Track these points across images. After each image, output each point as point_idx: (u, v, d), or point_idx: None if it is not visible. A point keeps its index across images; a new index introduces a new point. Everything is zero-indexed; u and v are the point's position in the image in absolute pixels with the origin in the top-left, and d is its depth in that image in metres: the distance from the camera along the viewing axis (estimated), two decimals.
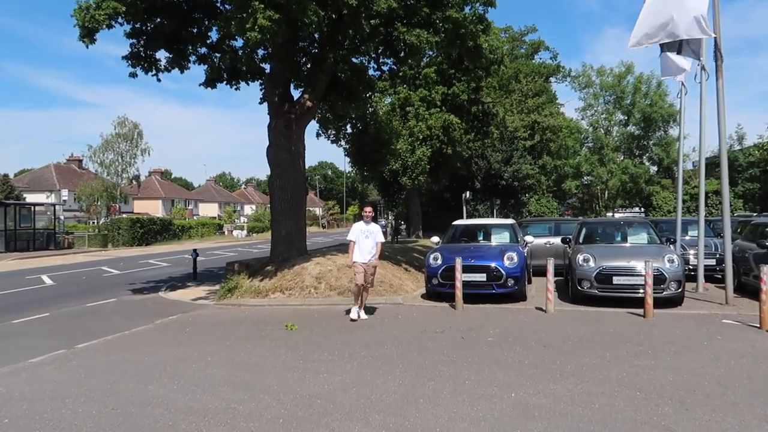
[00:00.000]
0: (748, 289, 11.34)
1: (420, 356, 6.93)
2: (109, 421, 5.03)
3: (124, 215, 48.21)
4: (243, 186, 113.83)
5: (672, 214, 33.38)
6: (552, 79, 39.06)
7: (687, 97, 13.53)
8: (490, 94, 26.36)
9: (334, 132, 23.13)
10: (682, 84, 12.85)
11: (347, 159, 25.83)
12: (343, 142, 23.77)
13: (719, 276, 13.41)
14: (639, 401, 5.17)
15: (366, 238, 9.42)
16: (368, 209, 9.83)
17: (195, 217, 69.07)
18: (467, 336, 8.00)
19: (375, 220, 10.58)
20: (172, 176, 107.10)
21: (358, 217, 39.69)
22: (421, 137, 24.15)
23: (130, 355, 7.55)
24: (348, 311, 9.80)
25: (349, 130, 22.98)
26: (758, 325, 8.20)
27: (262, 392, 5.66)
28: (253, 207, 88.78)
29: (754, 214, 24.18)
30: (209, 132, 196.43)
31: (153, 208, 67.40)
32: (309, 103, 13.30)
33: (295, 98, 13.84)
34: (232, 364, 6.84)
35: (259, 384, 5.95)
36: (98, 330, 9.69)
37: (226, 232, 60.37)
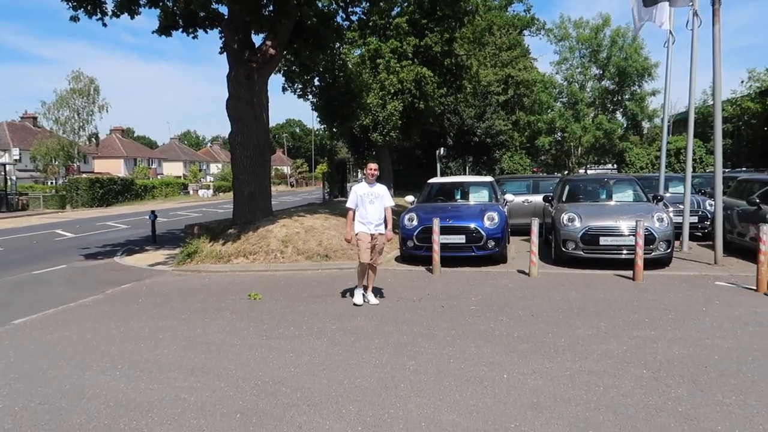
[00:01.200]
0: (733, 247, 10.95)
1: (397, 329, 6.24)
2: (32, 420, 4.22)
3: (84, 175, 46.10)
4: (209, 144, 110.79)
5: (644, 171, 33.30)
6: (526, 33, 37.99)
7: (661, 50, 12.81)
8: (464, 46, 25.25)
9: (301, 86, 21.93)
10: (670, 32, 12.12)
11: (315, 114, 24.65)
12: (310, 97, 22.59)
13: (699, 234, 13.07)
14: (647, 381, 4.57)
15: (371, 203, 7.35)
16: (372, 166, 7.63)
17: (159, 177, 66.88)
18: (448, 305, 7.33)
19: (379, 180, 7.87)
20: (135, 135, 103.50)
21: (328, 176, 38.53)
22: (392, 91, 23.08)
23: (71, 333, 6.68)
24: (349, 293, 8.02)
25: (317, 84, 21.82)
26: (755, 288, 7.72)
27: (218, 378, 4.90)
28: (220, 166, 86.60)
29: (727, 170, 24.04)
30: (173, 89, 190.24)
31: (115, 168, 64.95)
32: (272, 51, 12.17)
33: (257, 46, 12.68)
34: (187, 342, 6.05)
35: (216, 368, 5.18)
36: (41, 302, 8.74)
37: (191, 192, 58.65)
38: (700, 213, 13.15)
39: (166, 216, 28.17)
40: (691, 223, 11.93)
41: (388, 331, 6.20)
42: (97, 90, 46.02)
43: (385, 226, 7.47)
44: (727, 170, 23.15)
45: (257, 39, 13.18)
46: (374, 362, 5.19)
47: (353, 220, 7.44)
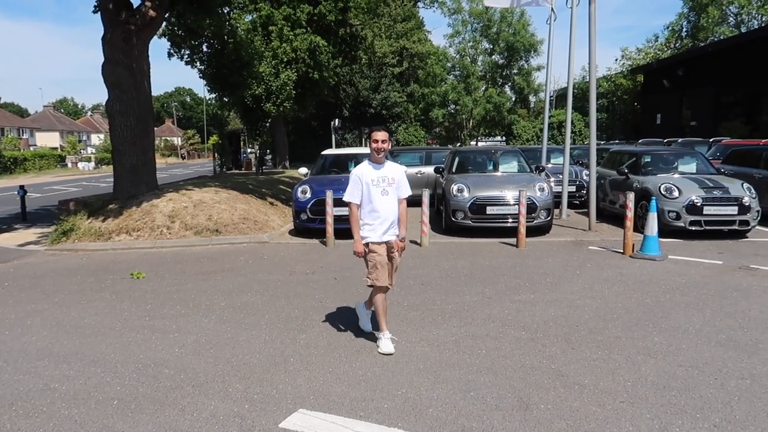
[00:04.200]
0: (605, 214, 11.86)
1: (289, 304, 6.17)
2: None
3: None
4: (89, 113, 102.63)
5: (530, 143, 35.04)
6: (420, 5, 38.34)
7: (546, 28, 13.44)
8: (359, 16, 25.02)
9: (188, 52, 20.73)
10: (552, 10, 12.68)
11: (205, 83, 23.50)
12: (198, 64, 21.46)
13: (577, 202, 14.02)
14: (525, 342, 4.85)
15: (383, 193, 4.74)
16: (380, 136, 4.74)
17: (31, 148, 61.22)
18: (341, 277, 7.36)
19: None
20: (1, 101, 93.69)
21: (219, 148, 37.13)
22: (285, 60, 22.47)
23: None
24: (373, 336, 4.98)
25: (206, 50, 20.74)
26: (622, 251, 8.42)
27: (93, 364, 4.60)
28: (102, 137, 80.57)
29: (602, 142, 25.88)
30: (47, 51, 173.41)
31: None
32: (152, 13, 11.37)
33: (136, 6, 11.78)
34: (59, 327, 5.62)
35: (91, 353, 4.86)
36: None
37: (69, 165, 54.27)
38: (577, 182, 14.09)
39: (40, 191, 25.90)
40: (569, 192, 12.75)
41: (280, 305, 6.12)
42: None
43: (399, 229, 4.89)
44: (602, 142, 24.93)
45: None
46: (264, 338, 5.10)
47: (357, 220, 4.81)
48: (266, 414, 3.66)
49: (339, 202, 9.64)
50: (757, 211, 9.59)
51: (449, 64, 38.81)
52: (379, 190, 4.72)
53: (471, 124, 39.04)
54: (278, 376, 4.26)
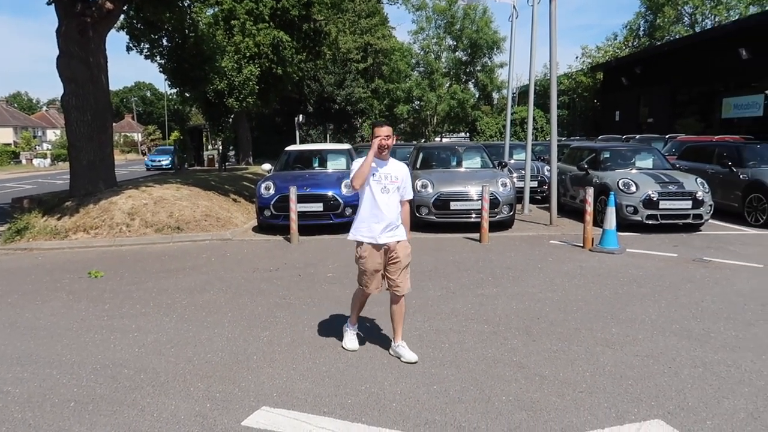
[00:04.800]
0: (566, 209, 12.09)
1: (252, 301, 6.11)
2: None
3: None
4: (44, 108, 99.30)
5: (494, 139, 35.44)
6: (384, 1, 38.30)
7: (509, 25, 13.61)
8: (322, 11, 24.84)
9: (148, 46, 20.26)
10: (514, 7, 12.84)
11: (165, 78, 23.01)
12: (158, 58, 20.99)
13: (539, 198, 14.26)
14: (488, 335, 4.92)
15: (383, 191, 4.39)
16: (384, 131, 4.38)
17: None
18: (305, 273, 7.32)
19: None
20: None
21: (180, 144, 36.47)
22: (248, 55, 22.18)
23: None
24: (339, 331, 4.78)
25: (166, 44, 20.29)
26: (582, 245, 8.61)
27: (49, 366, 4.47)
28: (58, 132, 78.10)
29: (563, 139, 26.38)
30: None
31: None
32: (108, 5, 11.06)
33: None
34: (12, 329, 5.43)
35: (47, 354, 4.72)
36: None
37: (24, 161, 52.54)
38: (539, 178, 14.32)
39: None
40: (531, 187, 12.96)
41: (243, 303, 6.05)
42: None
43: (405, 227, 4.58)
44: (563, 139, 25.41)
45: None
46: (227, 336, 5.04)
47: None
48: (228, 412, 3.62)
49: (303, 198, 9.63)
50: (710, 205, 9.93)
51: (413, 61, 38.98)
52: (380, 187, 4.38)
53: (435, 120, 39.29)
54: (241, 374, 4.22)
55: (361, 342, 4.80)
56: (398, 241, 4.46)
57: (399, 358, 4.42)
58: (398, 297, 4.53)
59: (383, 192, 4.39)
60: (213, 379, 4.14)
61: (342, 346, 4.63)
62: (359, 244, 4.48)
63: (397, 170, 4.49)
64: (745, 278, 6.78)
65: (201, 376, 4.20)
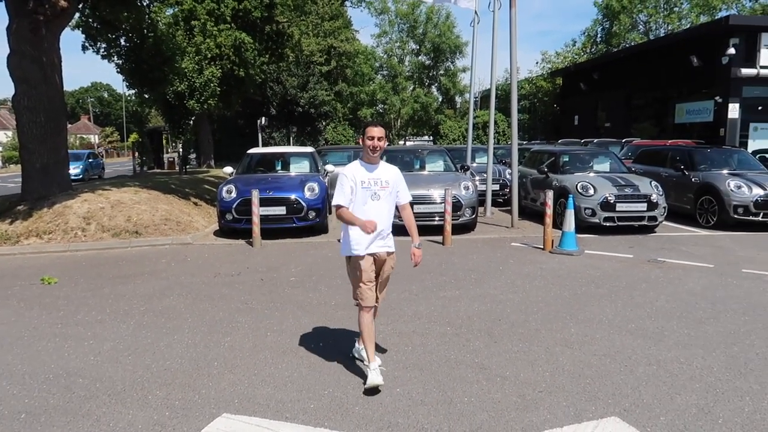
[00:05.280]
0: (527, 211, 12.30)
1: (213, 306, 6.01)
2: None
3: None
4: None
5: (457, 142, 35.77)
6: (347, 4, 38.30)
7: (471, 30, 13.78)
8: (285, 13, 24.69)
9: (105, 45, 19.76)
10: (476, 13, 13.00)
11: (123, 78, 22.47)
12: (116, 58, 20.49)
13: (501, 200, 14.46)
14: (450, 337, 4.96)
15: (374, 197, 4.10)
16: (375, 132, 4.06)
17: None
18: (267, 277, 7.24)
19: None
20: None
21: (139, 146, 35.69)
22: (209, 56, 21.85)
23: None
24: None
25: (124, 44, 19.82)
26: (542, 247, 8.76)
27: None
28: (9, 133, 75.39)
29: (524, 142, 26.82)
30: None
31: None
32: (63, 3, 10.73)
33: None
34: None
35: None
36: None
37: None
38: (501, 181, 14.53)
39: None
40: (493, 190, 13.13)
41: (203, 308, 5.95)
42: None
43: (412, 238, 4.38)
44: (524, 142, 25.83)
45: None
46: (186, 342, 4.95)
47: (353, 214, 4.03)
48: (188, 420, 3.55)
49: (265, 202, 9.53)
50: (664, 207, 10.25)
51: (377, 64, 39.08)
52: (369, 194, 4.05)
53: (399, 123, 39.46)
54: (201, 380, 4.15)
55: (325, 345, 4.78)
56: (388, 252, 4.22)
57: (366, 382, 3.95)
58: (377, 306, 4.31)
59: (373, 199, 4.08)
60: (172, 386, 4.06)
61: (366, 388, 3.90)
62: (350, 257, 4.13)
63: (387, 174, 4.17)
64: (697, 278, 7.01)
65: (160, 383, 4.11)
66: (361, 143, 4.16)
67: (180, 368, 4.38)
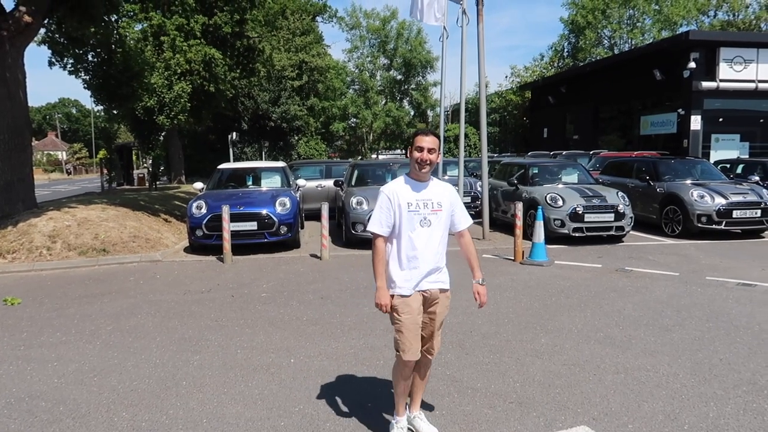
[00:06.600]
0: (498, 223, 12.42)
1: (182, 324, 5.92)
2: None
3: None
4: None
5: None
6: (319, 19, 38.48)
7: (445, 44, 13.94)
8: (256, 28, 24.67)
9: (72, 60, 19.48)
10: (444, 28, 13.15)
11: (90, 94, 22.14)
12: (83, 73, 20.19)
13: (473, 213, 14.57)
14: None
15: (424, 224, 3.32)
16: (428, 141, 3.24)
17: None
18: (238, 294, 7.17)
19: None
20: None
21: (107, 162, 35.20)
22: (179, 71, 21.69)
23: None
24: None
25: (92, 60, 19.56)
26: (513, 258, 8.86)
27: None
28: None
29: (495, 155, 27.15)
30: None
31: None
32: (27, 18, 10.58)
33: (8, 11, 10.92)
34: None
35: None
36: None
37: None
38: (472, 194, 14.64)
39: None
40: (464, 202, 13.19)
41: (172, 326, 5.85)
42: None
43: (473, 272, 3.70)
44: (495, 155, 26.14)
45: (8, 3, 11.37)
46: (154, 362, 4.86)
47: (381, 260, 3.37)
48: None
49: (236, 217, 9.46)
50: (631, 218, 10.47)
51: (348, 79, 39.28)
52: (418, 219, 3.28)
53: (371, 137, 39.62)
54: (169, 401, 4.07)
55: (297, 362, 4.73)
56: (442, 290, 3.49)
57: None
58: (428, 360, 3.50)
59: (423, 225, 3.30)
60: (139, 407, 3.98)
61: None
62: (398, 294, 3.32)
63: (440, 195, 3.37)
64: (663, 286, 7.16)
65: (126, 405, 4.03)
66: (408, 156, 3.41)
67: (147, 388, 4.30)
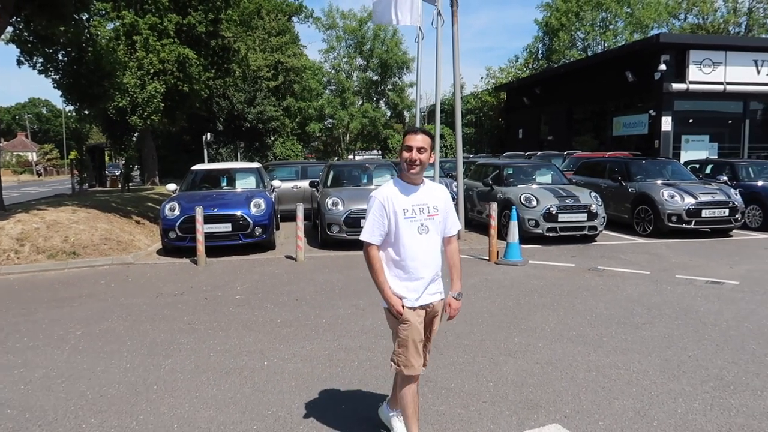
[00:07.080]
0: (474, 223, 12.49)
1: (154, 328, 5.83)
2: None
3: None
4: None
5: None
6: (294, 20, 38.28)
7: (420, 45, 14.00)
8: (231, 28, 24.44)
9: (42, 60, 19.07)
10: (420, 29, 13.19)
11: (61, 94, 21.69)
12: (53, 73, 19.78)
13: None
14: None
15: (421, 230, 3.10)
16: (418, 140, 3.06)
17: None
18: (211, 296, 7.09)
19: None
20: None
21: (78, 163, 34.73)
22: (152, 71, 21.39)
23: None
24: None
25: (62, 59, 19.17)
26: (488, 258, 8.92)
27: None
28: None
29: (470, 155, 27.30)
30: None
31: None
32: None
33: None
34: None
35: None
36: None
37: None
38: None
39: None
40: None
41: (144, 330, 5.76)
42: None
43: (452, 283, 3.34)
44: (471, 156, 26.31)
45: None
46: (124, 366, 4.77)
47: (380, 269, 3.14)
48: None
49: (210, 219, 9.36)
50: (603, 217, 10.61)
51: (325, 79, 39.11)
52: (415, 226, 3.08)
53: (348, 138, 39.55)
54: (139, 406, 4.00)
55: (270, 365, 4.69)
56: (440, 299, 3.28)
57: None
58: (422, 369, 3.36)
59: (420, 232, 3.09)
60: (108, 413, 3.90)
61: None
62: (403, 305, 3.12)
63: (435, 198, 3.18)
64: (634, 284, 7.27)
65: (95, 411, 3.95)
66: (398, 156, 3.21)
67: (117, 394, 4.22)
